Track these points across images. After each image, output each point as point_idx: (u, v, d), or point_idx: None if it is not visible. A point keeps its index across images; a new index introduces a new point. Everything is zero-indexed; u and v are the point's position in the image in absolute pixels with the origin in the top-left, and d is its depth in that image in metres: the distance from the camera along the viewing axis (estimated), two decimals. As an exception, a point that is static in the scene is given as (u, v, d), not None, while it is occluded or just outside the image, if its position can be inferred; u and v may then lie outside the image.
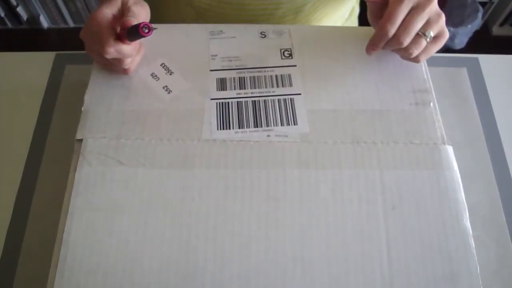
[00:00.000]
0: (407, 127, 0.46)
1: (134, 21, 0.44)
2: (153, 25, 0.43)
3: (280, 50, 0.51)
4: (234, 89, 0.48)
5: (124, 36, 0.44)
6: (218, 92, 0.48)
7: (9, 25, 1.52)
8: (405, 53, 0.46)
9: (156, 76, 0.49)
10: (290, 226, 0.41)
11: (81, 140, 0.44)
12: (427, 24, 0.45)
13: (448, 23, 0.73)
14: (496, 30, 1.52)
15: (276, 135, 0.45)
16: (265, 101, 0.48)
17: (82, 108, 0.47)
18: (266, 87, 0.49)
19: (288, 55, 0.51)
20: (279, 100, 0.48)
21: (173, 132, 0.45)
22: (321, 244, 0.40)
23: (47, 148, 0.55)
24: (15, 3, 1.43)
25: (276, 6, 0.59)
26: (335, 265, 0.40)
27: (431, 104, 0.48)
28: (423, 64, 0.51)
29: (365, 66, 0.50)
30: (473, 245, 0.41)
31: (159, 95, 0.48)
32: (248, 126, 0.46)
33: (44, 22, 1.52)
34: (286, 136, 0.45)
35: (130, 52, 0.45)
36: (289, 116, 0.47)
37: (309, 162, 0.44)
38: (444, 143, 0.45)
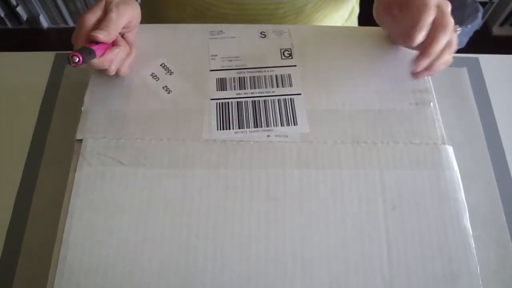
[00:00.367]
0: (407, 127, 0.46)
1: (100, 34, 0.42)
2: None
3: (280, 50, 0.51)
4: (234, 89, 0.48)
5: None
6: (218, 92, 0.48)
7: (9, 25, 1.52)
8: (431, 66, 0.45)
9: (156, 76, 0.49)
10: (290, 226, 0.41)
11: (81, 140, 0.44)
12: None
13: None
14: (496, 30, 1.52)
15: (276, 135, 0.45)
16: (265, 101, 0.48)
17: (82, 108, 0.47)
18: (266, 87, 0.49)
19: (288, 55, 0.51)
20: (279, 100, 0.48)
21: (173, 132, 0.45)
22: (321, 244, 0.40)
23: (47, 148, 0.55)
24: (15, 3, 1.43)
25: (276, 6, 0.59)
26: (335, 265, 0.40)
27: (431, 104, 0.48)
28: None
29: (365, 66, 0.50)
30: (473, 245, 0.41)
31: (159, 95, 0.48)
32: (248, 126, 0.46)
33: (44, 22, 1.52)
34: (286, 136, 0.45)
35: (99, 64, 0.43)
36: (289, 116, 0.47)
37: (309, 162, 0.44)
38: (444, 143, 0.45)
